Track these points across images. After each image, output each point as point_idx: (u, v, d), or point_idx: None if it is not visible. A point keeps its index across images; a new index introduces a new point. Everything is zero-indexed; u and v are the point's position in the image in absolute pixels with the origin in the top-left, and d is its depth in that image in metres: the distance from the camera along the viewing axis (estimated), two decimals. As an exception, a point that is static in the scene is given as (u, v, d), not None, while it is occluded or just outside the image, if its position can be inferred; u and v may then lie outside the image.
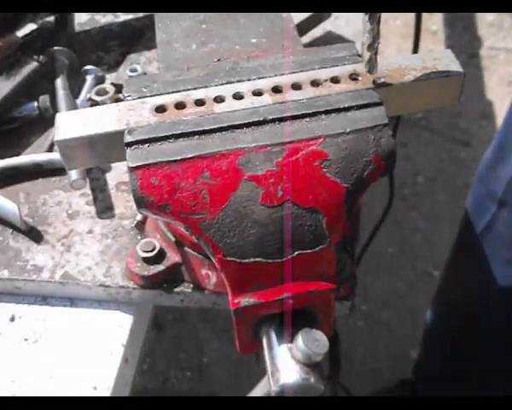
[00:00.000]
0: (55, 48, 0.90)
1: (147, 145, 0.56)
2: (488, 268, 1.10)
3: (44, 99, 0.84)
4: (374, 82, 0.60)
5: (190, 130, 0.56)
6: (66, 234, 0.74)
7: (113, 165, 0.80)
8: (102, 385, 0.65)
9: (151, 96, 0.60)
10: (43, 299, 0.72)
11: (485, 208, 1.06)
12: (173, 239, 0.68)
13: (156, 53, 0.76)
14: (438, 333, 1.34)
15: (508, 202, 1.03)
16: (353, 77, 0.61)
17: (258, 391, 0.62)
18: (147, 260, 0.68)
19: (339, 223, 0.55)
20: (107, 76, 0.91)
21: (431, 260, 1.78)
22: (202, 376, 1.61)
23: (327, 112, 0.57)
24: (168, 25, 0.75)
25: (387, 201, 0.87)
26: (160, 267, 0.68)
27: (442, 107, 0.65)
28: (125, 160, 0.56)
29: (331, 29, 0.98)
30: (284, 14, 0.75)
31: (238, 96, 0.60)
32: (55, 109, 0.84)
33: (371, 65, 0.59)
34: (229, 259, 0.53)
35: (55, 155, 0.79)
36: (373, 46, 0.58)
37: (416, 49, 0.86)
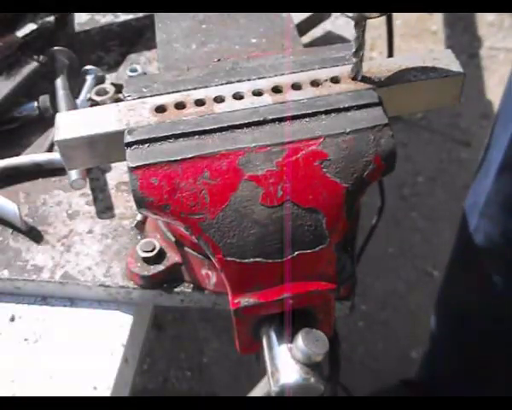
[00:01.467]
0: (55, 48, 0.90)
1: (147, 145, 0.56)
2: (479, 277, 1.11)
3: (44, 99, 0.84)
4: (374, 82, 0.60)
5: (190, 130, 0.56)
6: (66, 234, 0.74)
7: (113, 165, 0.80)
8: (102, 385, 0.65)
9: (151, 96, 0.60)
10: (43, 299, 0.72)
11: (471, 219, 1.08)
12: (173, 239, 0.68)
13: (156, 53, 0.76)
14: (441, 336, 1.34)
15: (486, 214, 1.04)
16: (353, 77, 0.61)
17: (258, 391, 0.62)
18: (147, 260, 0.68)
19: (339, 223, 0.55)
20: (107, 76, 0.91)
21: (431, 260, 1.78)
22: (202, 376, 1.61)
23: (327, 112, 0.57)
24: (168, 25, 0.75)
25: (380, 204, 0.87)
26: (160, 267, 0.68)
27: (442, 107, 0.65)
28: (124, 160, 0.56)
29: (331, 29, 0.98)
30: (284, 14, 0.75)
31: (238, 96, 0.60)
32: (55, 109, 0.84)
33: (356, 71, 0.60)
34: (229, 259, 0.53)
35: (55, 155, 0.79)
36: (358, 53, 0.59)
37: (390, 53, 0.87)
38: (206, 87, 0.61)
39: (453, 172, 2.03)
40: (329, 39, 0.96)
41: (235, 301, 0.53)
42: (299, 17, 0.86)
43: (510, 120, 0.94)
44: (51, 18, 0.91)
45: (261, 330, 0.56)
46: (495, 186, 1.01)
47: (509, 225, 1.02)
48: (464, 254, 1.17)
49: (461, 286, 1.21)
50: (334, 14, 0.97)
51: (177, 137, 0.56)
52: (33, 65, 0.87)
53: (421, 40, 2.41)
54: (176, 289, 0.69)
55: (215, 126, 0.56)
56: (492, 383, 1.24)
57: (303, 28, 0.88)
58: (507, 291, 1.09)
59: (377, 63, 0.63)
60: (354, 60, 0.59)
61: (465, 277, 1.18)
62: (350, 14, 0.56)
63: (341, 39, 0.95)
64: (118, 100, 0.74)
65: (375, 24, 0.90)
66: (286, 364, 0.53)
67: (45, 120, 0.84)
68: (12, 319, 0.70)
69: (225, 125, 0.57)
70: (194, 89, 0.61)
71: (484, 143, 1.07)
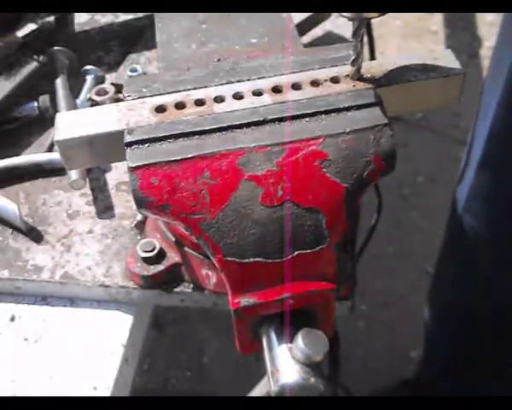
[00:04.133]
0: (55, 48, 0.90)
1: (147, 145, 0.56)
2: (468, 271, 1.11)
3: (44, 99, 0.84)
4: (374, 82, 0.60)
5: (190, 130, 0.56)
6: (66, 234, 0.74)
7: (113, 165, 0.81)
8: (102, 385, 0.65)
9: (151, 96, 0.60)
10: (43, 299, 0.72)
11: (456, 213, 1.08)
12: (173, 239, 0.68)
13: (156, 53, 0.76)
14: (436, 332, 1.34)
15: (470, 208, 1.04)
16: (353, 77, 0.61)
17: (258, 391, 0.62)
18: (147, 260, 0.68)
19: (339, 223, 0.55)
20: (107, 76, 0.91)
21: (431, 260, 1.77)
22: (202, 376, 1.61)
23: (327, 112, 0.57)
24: (168, 25, 0.75)
25: (377, 209, 0.87)
26: (160, 267, 0.68)
27: (442, 107, 0.65)
28: (125, 160, 0.56)
29: (331, 29, 0.98)
30: (284, 14, 0.75)
31: (238, 96, 0.60)
32: (55, 109, 0.84)
33: (356, 71, 0.60)
34: (229, 259, 0.53)
35: (55, 155, 0.79)
36: (358, 54, 0.59)
37: (372, 56, 0.87)
38: (206, 87, 0.61)
39: (453, 172, 2.02)
40: (329, 39, 0.96)
41: (235, 301, 0.53)
42: (299, 17, 0.86)
43: (487, 115, 0.95)
44: (51, 18, 0.91)
45: (261, 330, 0.56)
46: (476, 181, 1.01)
47: (492, 219, 1.03)
48: (451, 246, 1.18)
49: (449, 278, 1.22)
50: (334, 14, 0.97)
51: (177, 137, 0.56)
52: (33, 65, 0.87)
53: (421, 40, 2.41)
54: (176, 289, 0.69)
55: (215, 126, 0.56)
56: (492, 383, 1.24)
57: (303, 28, 0.88)
58: (492, 282, 1.09)
59: (377, 63, 0.63)
60: (354, 59, 0.59)
61: (452, 268, 1.18)
62: (348, 15, 0.56)
63: (341, 39, 0.95)
64: (118, 100, 0.74)
65: (375, 24, 0.90)
66: (286, 364, 0.53)
67: (45, 120, 0.84)
68: (12, 319, 0.70)
69: (225, 125, 0.57)
70: (194, 89, 0.61)
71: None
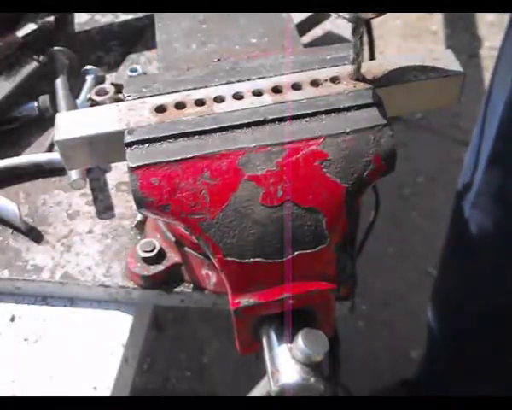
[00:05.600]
0: (55, 48, 0.90)
1: (147, 145, 0.56)
2: (472, 267, 1.12)
3: (44, 99, 0.84)
4: (374, 82, 0.60)
5: (190, 130, 0.56)
6: (66, 234, 0.74)
7: (113, 165, 0.81)
8: (102, 385, 0.65)
9: (151, 96, 0.60)
10: (43, 299, 0.72)
11: (462, 209, 1.09)
12: (173, 239, 0.68)
13: (156, 53, 0.76)
14: (438, 331, 1.34)
15: (478, 204, 1.04)
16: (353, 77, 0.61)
17: (258, 391, 0.62)
18: (147, 260, 0.68)
19: (339, 223, 0.55)
20: (107, 76, 0.91)
21: (431, 260, 1.78)
22: (202, 376, 1.61)
23: (327, 112, 0.57)
24: (168, 25, 0.75)
25: (375, 206, 0.87)
26: (160, 267, 0.68)
27: (442, 107, 0.65)
28: (125, 160, 0.56)
29: (331, 29, 0.98)
30: (284, 14, 0.75)
31: (238, 96, 0.60)
32: (55, 109, 0.84)
33: (356, 71, 0.60)
34: (229, 259, 0.53)
35: (55, 155, 0.79)
36: (357, 53, 0.59)
37: (372, 56, 0.88)
38: (206, 87, 0.61)
39: (453, 172, 2.02)
40: (329, 39, 0.96)
41: (235, 301, 0.53)
42: (299, 17, 0.86)
43: (495, 114, 0.95)
44: (51, 18, 0.91)
45: (261, 330, 0.56)
46: (485, 177, 1.01)
47: (501, 216, 1.03)
48: (457, 244, 1.18)
49: (454, 277, 1.22)
50: (334, 14, 0.96)
51: (177, 137, 0.56)
52: (33, 65, 0.87)
53: (421, 40, 2.41)
54: (176, 289, 0.69)
55: (215, 126, 0.56)
56: (492, 383, 1.24)
57: (303, 28, 0.88)
58: (497, 281, 1.09)
59: (377, 63, 0.63)
60: (354, 60, 0.59)
61: (458, 267, 1.19)
62: (346, 15, 0.56)
63: (341, 39, 0.95)
64: (118, 100, 0.74)
65: (375, 24, 0.90)
66: (286, 364, 0.53)
67: (45, 120, 0.84)
68: (12, 319, 0.70)
69: (225, 125, 0.57)
70: (194, 89, 0.61)
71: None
